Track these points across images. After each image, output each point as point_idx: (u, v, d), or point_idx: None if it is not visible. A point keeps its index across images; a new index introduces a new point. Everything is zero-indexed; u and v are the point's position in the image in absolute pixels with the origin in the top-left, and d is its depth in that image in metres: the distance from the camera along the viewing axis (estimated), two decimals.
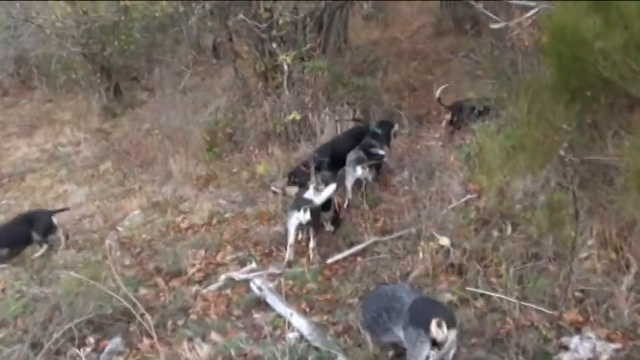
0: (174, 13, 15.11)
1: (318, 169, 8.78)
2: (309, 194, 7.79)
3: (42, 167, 13.72)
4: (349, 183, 8.74)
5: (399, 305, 4.96)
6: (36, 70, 20.87)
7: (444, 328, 4.55)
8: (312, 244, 7.55)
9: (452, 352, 4.77)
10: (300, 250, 7.71)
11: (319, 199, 7.64)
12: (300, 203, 7.61)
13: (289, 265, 7.46)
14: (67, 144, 15.11)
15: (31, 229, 9.02)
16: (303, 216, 7.38)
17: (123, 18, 16.32)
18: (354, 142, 9.27)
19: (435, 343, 4.59)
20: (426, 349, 4.63)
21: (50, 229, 9.10)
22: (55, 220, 9.19)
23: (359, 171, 8.66)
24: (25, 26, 16.80)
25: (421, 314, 4.74)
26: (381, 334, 5.21)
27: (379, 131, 9.53)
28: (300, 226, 7.58)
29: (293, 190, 9.03)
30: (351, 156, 8.85)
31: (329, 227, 7.95)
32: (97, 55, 16.84)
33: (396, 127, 10.10)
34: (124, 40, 16.87)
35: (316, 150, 9.63)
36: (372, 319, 5.24)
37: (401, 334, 4.85)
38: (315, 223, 7.58)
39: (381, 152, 9.06)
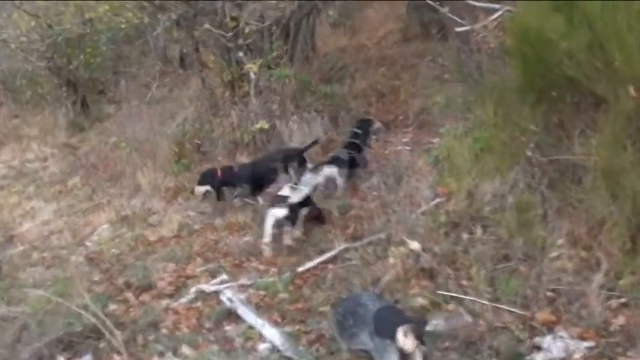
0: (140, 24, 15.01)
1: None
2: (285, 191, 7.97)
3: (9, 184, 13.49)
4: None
5: (364, 311, 4.98)
6: (1, 85, 20.65)
7: (411, 338, 4.52)
8: (286, 240, 7.81)
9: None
10: (271, 260, 7.66)
11: (296, 196, 7.84)
12: (275, 200, 7.87)
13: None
14: (35, 160, 14.90)
15: None
16: (280, 212, 7.66)
17: (88, 31, 16.18)
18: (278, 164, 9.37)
19: (402, 354, 4.56)
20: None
21: None
22: None
23: (327, 170, 9.01)
24: None
25: (387, 324, 4.72)
26: (348, 340, 5.22)
27: (359, 130, 9.58)
28: (277, 223, 7.75)
29: (202, 190, 9.40)
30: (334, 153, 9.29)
31: (290, 239, 7.94)
32: (63, 69, 16.71)
33: (377, 124, 10.10)
34: (89, 52, 16.77)
35: (239, 166, 9.75)
36: (339, 323, 5.26)
37: (367, 341, 4.86)
38: (293, 219, 7.78)
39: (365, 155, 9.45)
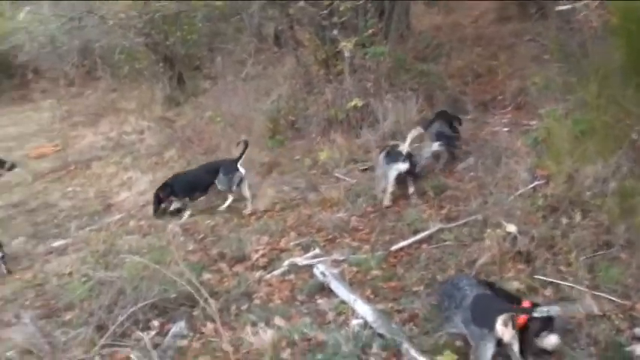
0: (236, 1, 15.16)
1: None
2: (403, 147, 8.35)
3: (107, 155, 13.92)
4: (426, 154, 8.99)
5: (461, 296, 4.97)
6: (100, 60, 21.16)
7: (510, 327, 4.52)
8: (411, 189, 8.37)
9: (516, 347, 4.71)
10: (364, 237, 7.65)
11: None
12: (396, 155, 8.35)
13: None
14: (132, 132, 15.31)
15: None
16: (403, 165, 8.23)
17: (185, 8, 16.43)
18: (210, 177, 9.62)
19: (500, 343, 4.57)
20: (491, 349, 4.59)
21: None
22: None
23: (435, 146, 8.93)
24: (88, 17, 16.96)
25: (486, 312, 4.69)
26: (443, 323, 5.24)
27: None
28: (399, 176, 8.30)
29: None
30: (434, 128, 9.23)
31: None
32: (160, 45, 17.01)
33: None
34: (186, 29, 17.01)
35: (170, 178, 9.95)
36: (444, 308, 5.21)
37: (461, 326, 4.87)
38: (413, 171, 8.37)
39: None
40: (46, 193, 12.22)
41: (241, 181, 9.41)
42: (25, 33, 18.76)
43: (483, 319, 4.63)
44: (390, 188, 8.34)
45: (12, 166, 12.63)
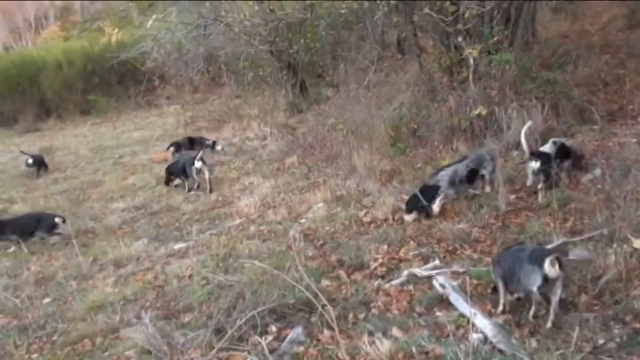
0: (359, 9, 15.17)
1: None
2: (545, 148, 8.73)
3: (230, 160, 14.25)
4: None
5: (524, 254, 5.79)
6: (225, 67, 21.72)
7: (557, 267, 5.43)
8: (540, 185, 8.46)
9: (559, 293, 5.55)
10: (485, 248, 7.46)
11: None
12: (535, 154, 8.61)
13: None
14: (254, 138, 15.61)
15: None
16: (535, 165, 8.48)
17: (309, 16, 16.60)
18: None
19: (546, 280, 5.47)
20: (538, 281, 5.52)
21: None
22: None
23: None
24: (214, 25, 17.41)
25: (538, 254, 5.65)
26: (509, 284, 5.92)
27: None
28: (533, 173, 8.60)
29: None
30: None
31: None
32: (284, 53, 17.29)
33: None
34: (310, 37, 17.23)
35: None
36: (504, 269, 5.97)
37: (521, 276, 5.68)
38: (546, 171, 8.44)
39: None
40: (169, 196, 12.58)
41: (200, 170, 12.29)
42: (152, 40, 19.44)
43: (535, 259, 5.61)
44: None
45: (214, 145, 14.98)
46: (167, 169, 13.22)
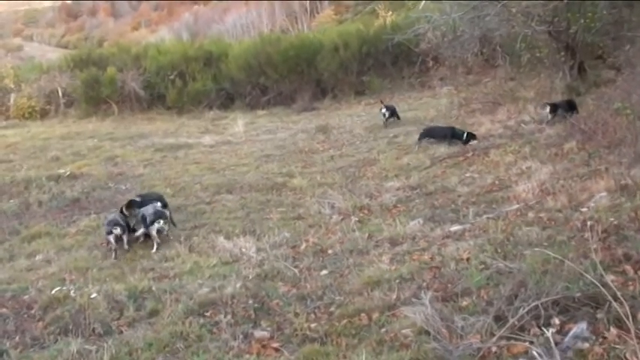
0: None
1: None
2: None
3: (505, 143, 14.00)
4: None
5: None
6: (500, 48, 21.45)
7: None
8: None
9: None
10: None
11: None
12: None
13: None
14: (530, 122, 15.22)
15: None
16: None
17: None
18: None
19: None
20: None
21: None
22: None
23: None
24: (491, 6, 17.19)
25: None
26: None
27: None
28: None
29: None
30: None
31: None
32: (562, 33, 16.73)
33: None
34: (590, 17, 16.49)
35: None
36: None
37: None
38: None
39: None
40: (444, 177, 12.59)
41: None
42: (427, 22, 19.58)
43: None
44: None
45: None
46: None
